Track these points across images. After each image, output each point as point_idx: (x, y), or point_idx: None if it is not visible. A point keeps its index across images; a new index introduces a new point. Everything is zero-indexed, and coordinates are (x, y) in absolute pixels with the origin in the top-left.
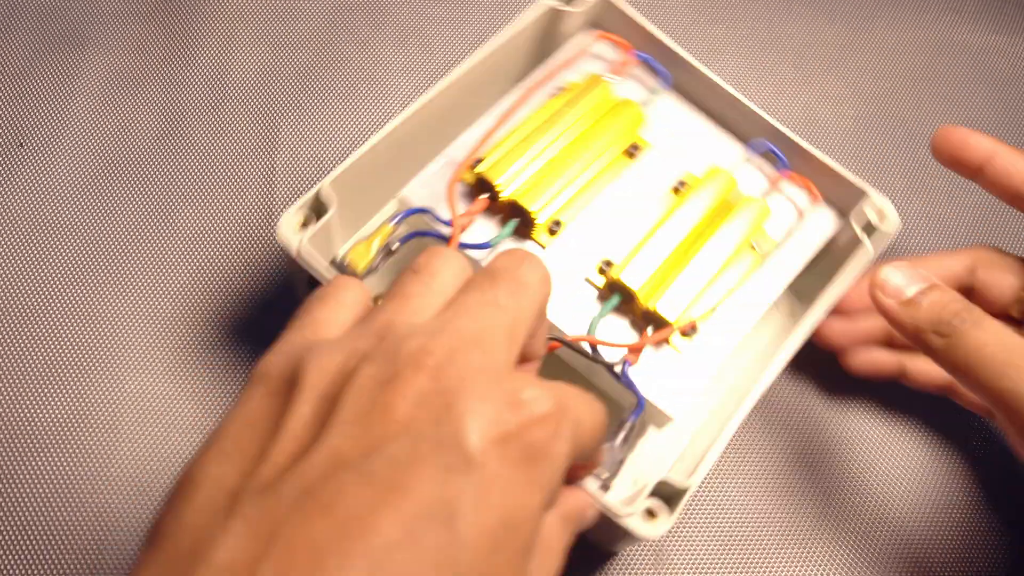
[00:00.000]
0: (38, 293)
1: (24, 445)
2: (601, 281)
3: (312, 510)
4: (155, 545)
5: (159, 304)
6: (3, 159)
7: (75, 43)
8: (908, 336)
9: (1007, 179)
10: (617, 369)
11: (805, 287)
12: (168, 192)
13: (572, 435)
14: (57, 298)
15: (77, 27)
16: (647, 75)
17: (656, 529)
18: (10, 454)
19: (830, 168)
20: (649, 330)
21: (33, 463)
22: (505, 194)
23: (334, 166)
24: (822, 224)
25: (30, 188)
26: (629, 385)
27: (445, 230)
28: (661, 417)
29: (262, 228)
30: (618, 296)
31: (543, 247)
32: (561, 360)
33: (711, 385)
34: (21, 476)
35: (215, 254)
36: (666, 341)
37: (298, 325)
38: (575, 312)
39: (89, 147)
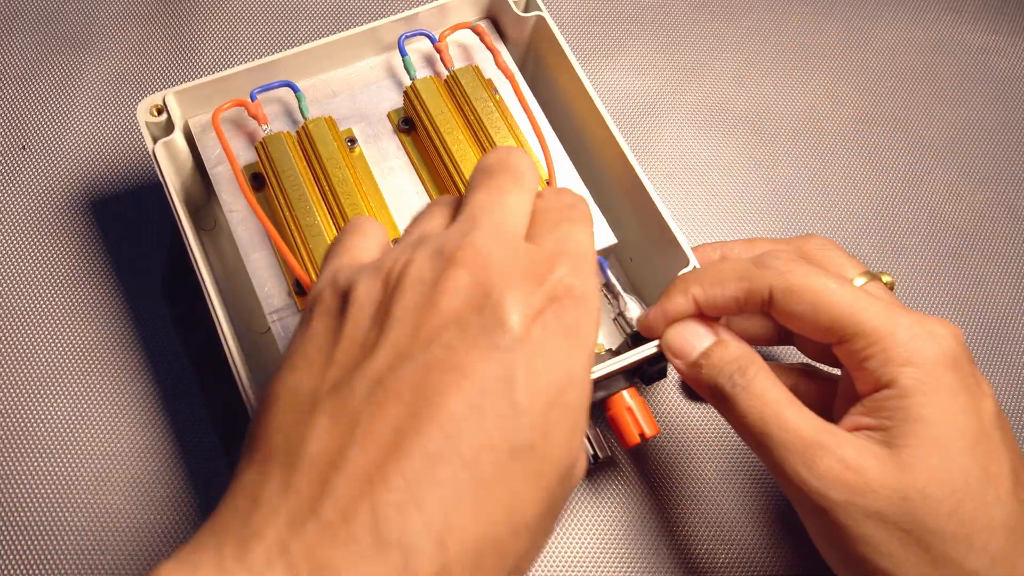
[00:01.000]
0: (40, 293)
1: (25, 445)
2: None
3: (383, 398)
4: (251, 450)
5: (163, 305)
6: (6, 162)
7: (76, 46)
8: (703, 393)
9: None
10: None
11: None
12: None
13: (593, 277)
14: (59, 298)
15: (78, 30)
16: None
17: None
18: (12, 454)
19: None
20: None
21: (35, 463)
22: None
23: None
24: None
25: (33, 190)
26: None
27: None
28: None
29: None
30: None
31: None
32: None
33: None
34: (22, 476)
35: None
36: None
37: (336, 252)
38: None
39: (91, 149)
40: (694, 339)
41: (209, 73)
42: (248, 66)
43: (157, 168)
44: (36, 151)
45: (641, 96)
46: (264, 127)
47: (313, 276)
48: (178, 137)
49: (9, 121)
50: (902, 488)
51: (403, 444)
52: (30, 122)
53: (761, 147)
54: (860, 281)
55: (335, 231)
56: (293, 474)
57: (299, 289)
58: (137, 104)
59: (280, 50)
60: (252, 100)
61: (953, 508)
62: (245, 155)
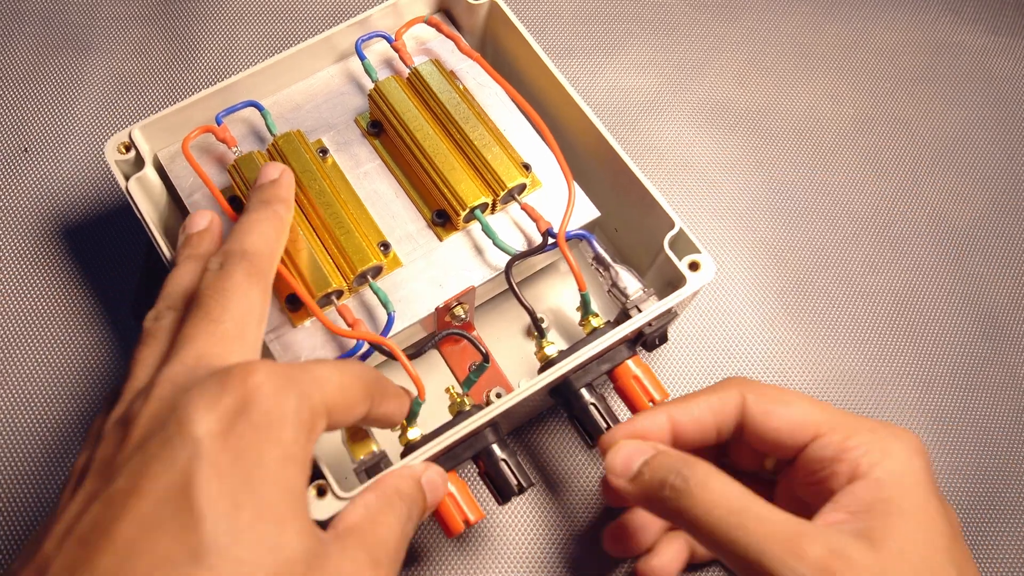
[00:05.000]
0: (41, 294)
1: (29, 444)
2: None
3: (67, 546)
4: None
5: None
6: (9, 164)
7: (78, 48)
8: (645, 507)
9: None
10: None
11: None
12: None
13: (300, 396)
14: (60, 299)
15: (79, 32)
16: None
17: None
18: (15, 453)
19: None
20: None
21: (34, 464)
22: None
23: None
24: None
25: (35, 192)
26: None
27: None
28: None
29: None
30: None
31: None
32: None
33: None
34: (25, 476)
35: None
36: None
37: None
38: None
39: (93, 151)
40: (636, 454)
41: (209, 75)
42: (209, 91)
43: (133, 205)
44: (38, 153)
45: (642, 95)
46: (234, 149)
47: (304, 290)
48: (149, 171)
49: (11, 124)
50: None
51: None
52: (32, 125)
53: (761, 146)
54: None
55: (319, 242)
56: None
57: (292, 305)
58: (137, 103)
59: (280, 51)
60: (218, 124)
61: None
62: (218, 179)
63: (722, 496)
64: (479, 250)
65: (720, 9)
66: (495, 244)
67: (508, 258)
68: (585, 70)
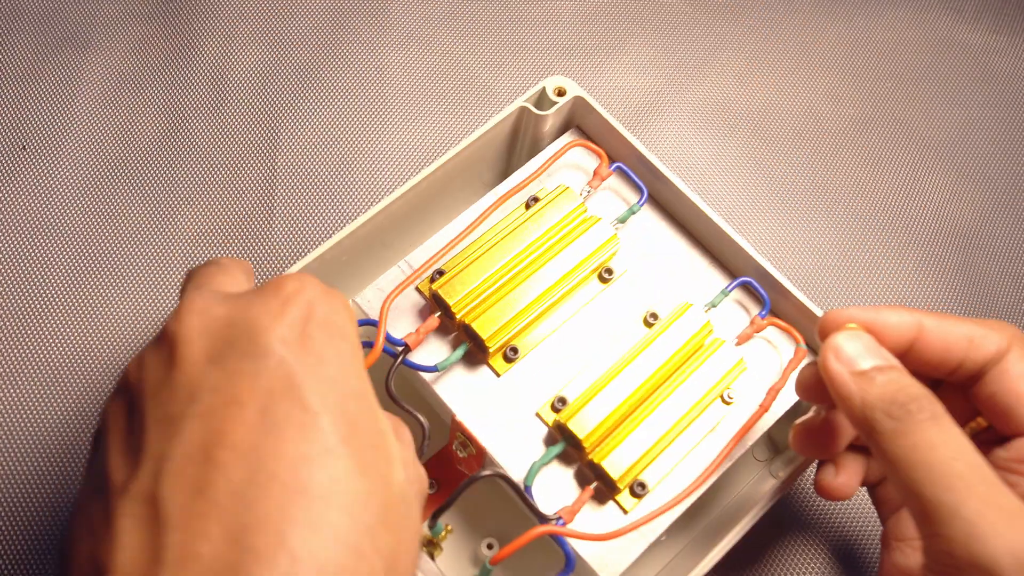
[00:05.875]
0: (44, 292)
1: (30, 442)
2: (551, 418)
3: (201, 471)
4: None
5: (167, 303)
6: (6, 162)
7: (76, 45)
8: (852, 414)
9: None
10: (552, 522)
11: (781, 432)
12: (170, 192)
13: (339, 296)
14: (60, 298)
15: (78, 30)
16: (624, 185)
17: None
18: (12, 454)
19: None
20: (594, 484)
21: (36, 463)
22: (460, 315)
23: (334, 165)
24: None
25: (33, 191)
26: (560, 543)
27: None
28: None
29: (262, 225)
30: (564, 442)
31: (498, 374)
32: (503, 490)
33: (659, 548)
34: (27, 474)
35: (216, 252)
36: (612, 499)
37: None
38: (520, 448)
39: (91, 149)
40: (870, 352)
41: (208, 73)
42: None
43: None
44: (36, 151)
45: (642, 94)
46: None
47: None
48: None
49: (9, 121)
50: None
51: (207, 485)
52: (30, 122)
53: (761, 146)
54: None
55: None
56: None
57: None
58: (136, 104)
59: (280, 50)
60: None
61: None
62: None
63: (951, 440)
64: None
65: (720, 9)
66: None
67: None
68: (585, 70)
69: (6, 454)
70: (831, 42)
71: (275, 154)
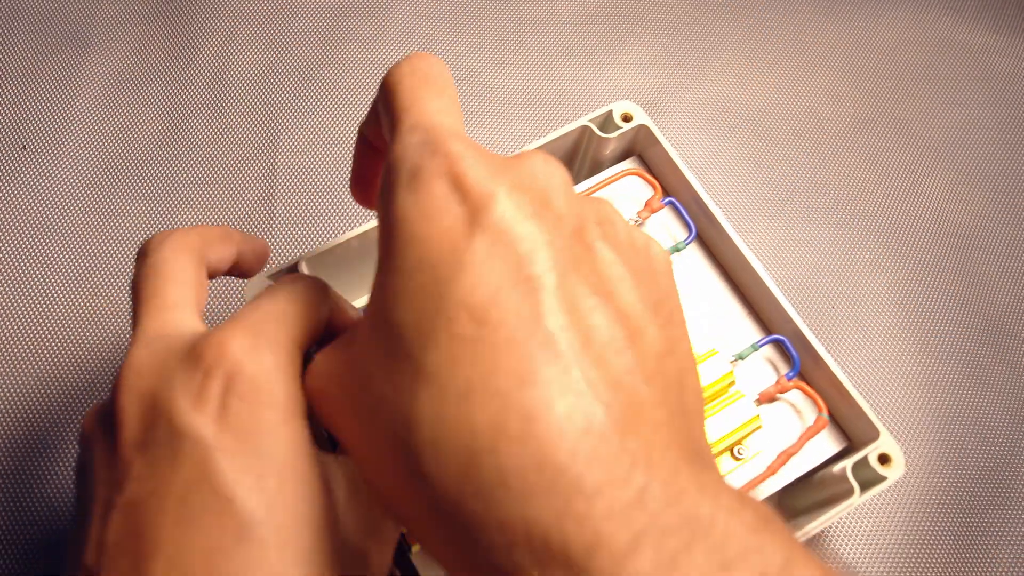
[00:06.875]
0: (45, 290)
1: (31, 440)
2: None
3: (128, 563)
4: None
5: None
6: (6, 162)
7: (76, 45)
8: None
9: None
10: None
11: (787, 498)
12: (170, 192)
13: (272, 346)
14: (60, 298)
15: (78, 29)
16: (674, 220)
17: None
18: (17, 450)
19: (848, 394)
20: None
21: (41, 461)
22: None
23: (334, 165)
24: (820, 447)
25: (33, 190)
26: None
27: None
28: None
29: (262, 224)
30: None
31: None
32: None
33: None
34: (28, 474)
35: None
36: None
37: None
38: None
39: (91, 149)
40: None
41: (208, 73)
42: None
43: None
44: (36, 151)
45: (642, 94)
46: None
47: None
48: None
49: (10, 121)
50: None
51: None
52: (31, 122)
53: (761, 146)
54: None
55: None
56: None
57: None
58: (137, 104)
59: (280, 50)
60: None
61: None
62: None
63: None
64: None
65: (720, 9)
66: None
67: None
68: (585, 70)
69: (7, 451)
70: (831, 42)
71: (275, 154)
